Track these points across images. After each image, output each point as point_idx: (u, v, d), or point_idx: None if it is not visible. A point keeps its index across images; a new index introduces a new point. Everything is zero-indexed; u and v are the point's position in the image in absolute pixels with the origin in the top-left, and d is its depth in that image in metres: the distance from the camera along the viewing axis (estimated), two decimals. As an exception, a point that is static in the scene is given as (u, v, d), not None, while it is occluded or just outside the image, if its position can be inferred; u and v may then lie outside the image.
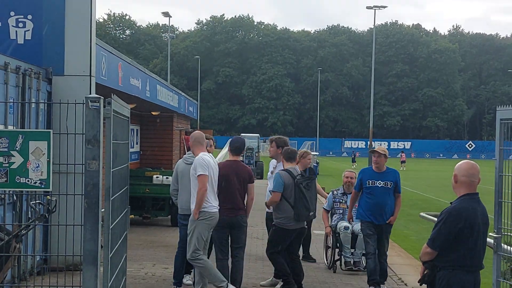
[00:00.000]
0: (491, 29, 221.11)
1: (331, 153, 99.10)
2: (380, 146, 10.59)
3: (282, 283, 9.30)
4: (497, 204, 6.01)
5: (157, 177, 15.68)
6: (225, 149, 15.19)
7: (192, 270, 9.40)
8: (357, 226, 10.33)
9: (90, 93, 9.56)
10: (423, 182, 40.52)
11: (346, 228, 10.68)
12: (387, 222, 9.57)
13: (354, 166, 59.76)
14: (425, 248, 5.53)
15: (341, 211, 11.01)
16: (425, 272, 5.63)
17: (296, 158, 9.59)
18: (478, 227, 5.38)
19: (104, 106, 4.95)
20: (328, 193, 11.93)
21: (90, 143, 4.85)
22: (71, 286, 6.20)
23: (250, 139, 43.82)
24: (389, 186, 9.58)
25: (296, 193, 8.94)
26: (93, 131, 4.84)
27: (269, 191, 9.87)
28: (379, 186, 9.54)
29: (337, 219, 11.01)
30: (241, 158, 10.60)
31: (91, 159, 4.86)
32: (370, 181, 9.60)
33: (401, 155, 64.65)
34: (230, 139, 9.57)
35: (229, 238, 8.81)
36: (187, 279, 9.55)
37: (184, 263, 9.12)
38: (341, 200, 11.09)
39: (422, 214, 12.22)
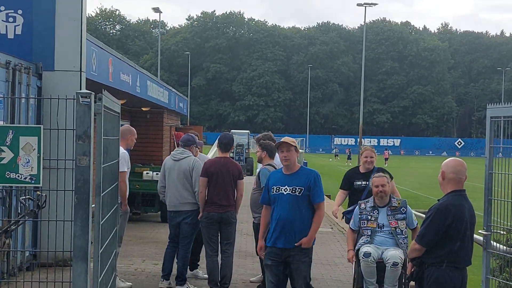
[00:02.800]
0: (479, 27, 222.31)
1: (321, 149, 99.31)
2: (288, 137, 7.26)
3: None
4: (486, 202, 6.05)
5: (147, 173, 15.67)
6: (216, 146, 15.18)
7: (199, 264, 9.87)
8: (387, 252, 7.69)
9: (81, 89, 9.54)
10: (412, 179, 40.67)
11: (366, 255, 7.61)
12: (296, 244, 6.77)
13: (349, 164, 60.01)
14: (413, 244, 5.58)
15: (369, 232, 7.92)
16: (413, 269, 5.68)
17: (275, 153, 8.95)
18: (466, 223, 5.43)
19: (95, 102, 4.94)
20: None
21: (81, 139, 4.84)
22: (60, 282, 6.18)
23: (240, 135, 43.84)
24: (297, 193, 6.80)
25: None
26: (83, 127, 4.83)
27: (261, 186, 8.91)
28: (285, 193, 6.84)
29: (363, 242, 7.92)
30: (231, 154, 10.54)
31: (82, 155, 4.84)
32: (275, 187, 6.91)
33: (384, 152, 65.41)
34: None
35: (219, 234, 8.84)
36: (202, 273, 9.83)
37: (173, 258, 9.16)
38: (369, 217, 7.95)
39: (411, 211, 12.23)
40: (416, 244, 5.52)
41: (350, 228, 8.25)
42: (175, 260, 9.20)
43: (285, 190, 6.82)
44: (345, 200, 9.59)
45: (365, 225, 7.93)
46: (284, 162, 6.89)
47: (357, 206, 8.13)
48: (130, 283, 9.13)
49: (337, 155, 75.99)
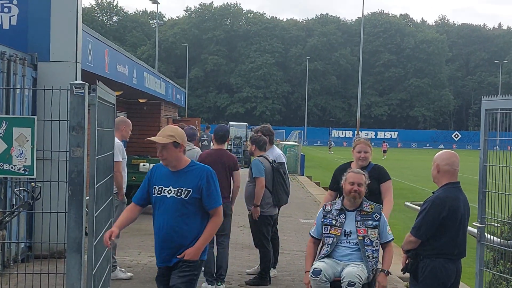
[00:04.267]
0: (477, 20, 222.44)
1: (318, 142, 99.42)
2: (167, 128, 5.56)
3: (260, 271, 9.28)
4: (481, 194, 6.05)
5: (144, 165, 15.64)
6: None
7: None
8: (345, 269, 6.15)
9: (76, 80, 9.51)
10: (409, 171, 40.74)
11: (316, 272, 6.12)
12: (178, 257, 5.30)
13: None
14: (408, 236, 5.57)
15: (330, 241, 6.37)
16: (408, 261, 5.68)
17: (265, 146, 9.20)
18: (461, 215, 5.44)
19: (89, 93, 4.92)
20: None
21: (75, 130, 4.83)
22: (55, 274, 6.18)
23: (238, 127, 43.86)
24: (184, 196, 5.30)
25: (275, 177, 9.00)
26: (77, 118, 4.82)
27: (253, 177, 9.15)
28: (168, 196, 5.34)
29: (323, 254, 6.41)
30: (228, 147, 10.50)
31: (76, 146, 4.83)
32: (157, 187, 5.41)
33: (382, 145, 65.52)
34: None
35: None
36: None
37: None
38: (333, 222, 6.38)
39: (407, 203, 12.26)
40: (412, 236, 5.53)
41: (311, 236, 6.63)
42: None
43: (169, 191, 5.34)
44: None
45: (328, 232, 6.38)
46: (162, 162, 5.42)
47: (321, 209, 6.62)
48: (131, 274, 9.14)
49: (331, 147, 75.18)
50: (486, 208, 6.04)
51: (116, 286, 8.44)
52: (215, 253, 8.86)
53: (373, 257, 6.22)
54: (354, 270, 6.04)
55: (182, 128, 9.74)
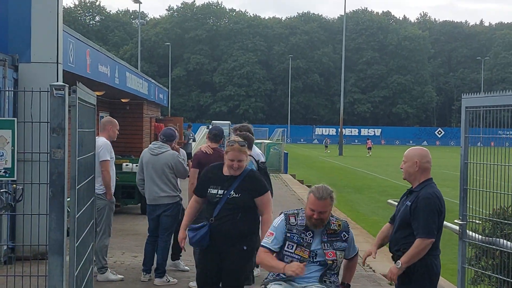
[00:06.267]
0: (457, 17, 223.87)
1: (302, 140, 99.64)
2: None
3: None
4: (462, 191, 6.08)
5: (126, 165, 15.61)
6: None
7: (181, 255, 9.77)
8: None
9: (57, 81, 9.46)
10: (392, 168, 40.89)
11: None
12: None
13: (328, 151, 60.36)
14: (421, 241, 5.27)
15: (296, 259, 5.40)
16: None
17: (253, 144, 9.16)
18: (444, 212, 5.48)
19: (69, 94, 4.90)
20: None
21: (55, 132, 4.80)
22: (37, 276, 6.15)
23: (222, 126, 43.87)
24: None
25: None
26: (58, 120, 4.79)
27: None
28: None
29: (282, 276, 5.46)
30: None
31: (56, 148, 4.81)
32: None
33: (367, 142, 65.63)
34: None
35: None
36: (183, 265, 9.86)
37: (154, 252, 9.14)
38: (301, 240, 5.43)
39: (389, 201, 12.29)
40: (426, 239, 5.26)
41: (266, 248, 5.50)
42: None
43: None
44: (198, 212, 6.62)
45: (292, 251, 5.40)
46: None
47: (283, 218, 5.55)
48: (122, 276, 9.11)
49: (327, 146, 69.65)
50: (468, 205, 6.07)
51: (100, 287, 8.42)
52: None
53: (331, 282, 5.41)
54: None
55: (175, 130, 9.71)
